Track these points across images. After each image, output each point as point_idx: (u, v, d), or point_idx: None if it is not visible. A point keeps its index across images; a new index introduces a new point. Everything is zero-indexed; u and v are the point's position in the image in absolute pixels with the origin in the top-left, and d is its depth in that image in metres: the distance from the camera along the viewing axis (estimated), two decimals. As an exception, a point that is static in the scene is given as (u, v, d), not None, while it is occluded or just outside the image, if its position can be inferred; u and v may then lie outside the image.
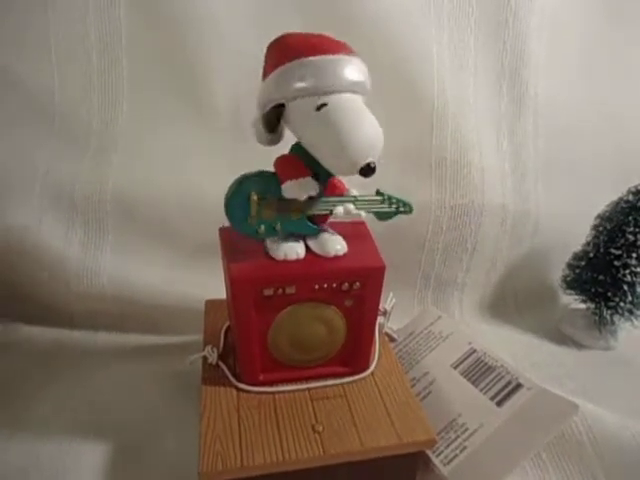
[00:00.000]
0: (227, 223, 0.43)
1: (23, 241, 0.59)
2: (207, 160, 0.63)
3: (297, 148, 0.39)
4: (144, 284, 0.61)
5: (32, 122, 0.62)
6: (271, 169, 0.40)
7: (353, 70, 0.36)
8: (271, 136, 0.40)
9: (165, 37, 0.61)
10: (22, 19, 0.59)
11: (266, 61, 0.39)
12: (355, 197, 0.41)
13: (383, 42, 0.62)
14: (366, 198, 0.41)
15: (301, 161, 0.39)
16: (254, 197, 0.39)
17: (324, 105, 0.35)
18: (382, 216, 0.42)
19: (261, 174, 0.39)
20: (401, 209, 0.42)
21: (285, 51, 0.37)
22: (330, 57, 0.36)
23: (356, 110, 0.36)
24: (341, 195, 0.41)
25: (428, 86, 0.64)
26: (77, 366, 0.57)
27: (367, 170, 0.35)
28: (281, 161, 0.39)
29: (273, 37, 0.39)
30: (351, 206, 0.40)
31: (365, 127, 0.35)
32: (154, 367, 0.57)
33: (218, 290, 0.52)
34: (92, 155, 0.62)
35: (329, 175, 0.40)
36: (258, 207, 0.39)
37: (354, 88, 0.37)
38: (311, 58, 0.36)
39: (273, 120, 0.38)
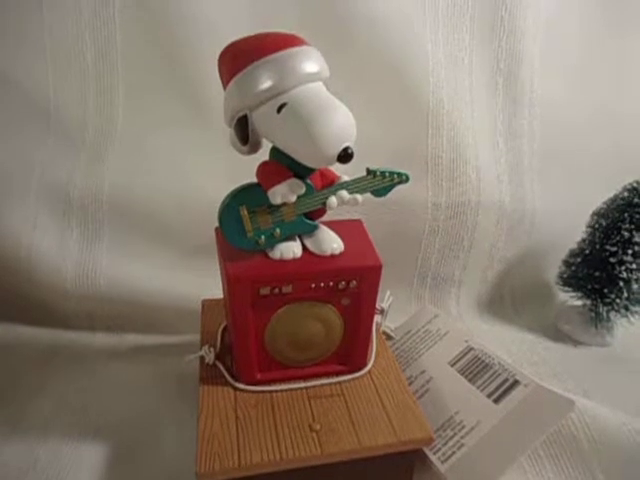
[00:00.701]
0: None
1: (19, 242, 0.59)
2: (204, 161, 0.63)
3: (274, 152, 0.39)
4: (141, 284, 0.61)
5: (28, 123, 0.61)
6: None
7: (305, 61, 0.35)
8: (247, 147, 0.39)
9: (161, 39, 0.61)
10: (17, 21, 0.59)
11: (221, 74, 0.39)
12: (346, 182, 0.39)
13: (378, 41, 0.62)
14: (357, 180, 0.39)
15: (281, 164, 0.38)
16: (244, 212, 0.38)
17: (284, 105, 0.35)
18: (380, 192, 0.40)
19: (247, 187, 0.39)
20: (397, 180, 0.40)
21: (233, 61, 0.36)
22: (275, 55, 0.35)
23: (318, 100, 0.35)
24: (332, 183, 0.40)
25: (423, 85, 0.64)
26: (75, 367, 0.57)
27: (345, 156, 0.35)
28: (261, 170, 0.39)
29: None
30: (344, 192, 0.39)
31: (331, 115, 0.34)
32: (152, 367, 0.57)
33: (215, 290, 0.52)
34: (88, 156, 0.62)
35: (311, 170, 0.39)
36: (251, 220, 0.39)
37: (310, 78, 0.36)
38: (259, 62, 0.35)
39: (244, 131, 0.37)
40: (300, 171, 0.38)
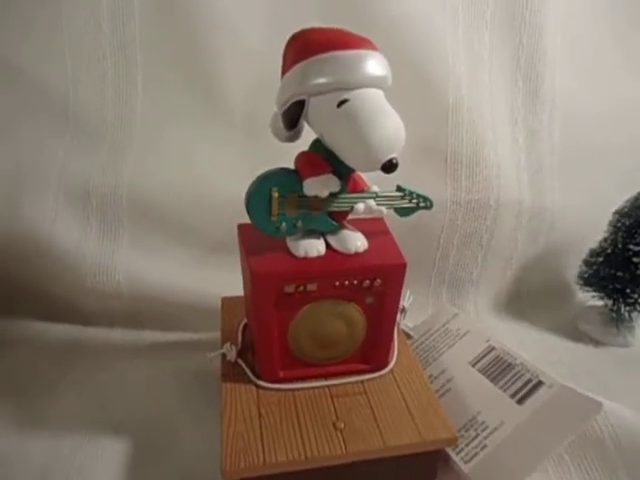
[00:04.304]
0: (243, 220, 0.43)
1: (39, 238, 0.59)
2: (223, 157, 0.62)
3: (317, 144, 0.39)
4: (159, 281, 0.61)
5: (47, 119, 0.61)
6: (287, 166, 0.40)
7: (375, 65, 0.36)
8: (290, 133, 0.40)
9: (179, 34, 0.61)
10: (35, 16, 0.59)
11: (286, 56, 0.39)
12: (376, 193, 0.41)
13: (398, 38, 0.61)
14: (387, 194, 0.41)
15: (322, 158, 0.38)
16: (275, 195, 0.38)
17: (346, 101, 0.35)
18: (403, 212, 0.42)
19: (281, 171, 0.39)
20: (421, 204, 0.42)
21: (306, 46, 0.37)
22: (352, 52, 0.36)
23: (378, 106, 0.36)
24: (362, 191, 0.41)
25: (444, 81, 0.63)
26: (94, 363, 0.57)
27: (389, 166, 0.35)
28: (302, 158, 0.39)
29: (287, 34, 0.38)
30: (372, 202, 0.40)
31: (388, 123, 0.35)
32: (170, 364, 0.57)
33: (233, 287, 0.52)
34: (107, 151, 0.62)
35: (350, 171, 0.39)
36: (279, 205, 0.39)
37: (376, 83, 0.36)
38: (333, 53, 0.35)
39: (293, 117, 0.38)
40: (339, 169, 0.38)
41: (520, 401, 0.46)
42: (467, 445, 0.44)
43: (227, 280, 0.56)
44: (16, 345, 0.59)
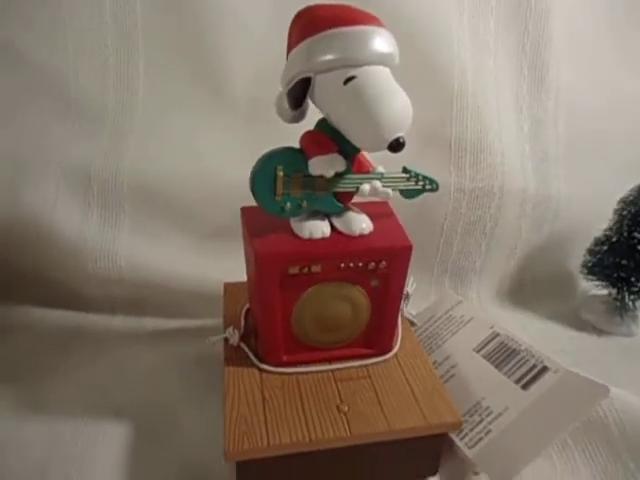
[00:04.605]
0: (245, 204, 0.43)
1: (39, 223, 0.59)
2: (224, 143, 0.62)
3: (323, 124, 0.39)
4: (161, 267, 0.61)
5: (48, 104, 0.61)
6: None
7: (383, 42, 0.35)
8: (295, 113, 0.39)
9: (181, 19, 0.60)
10: (37, 2, 0.59)
11: (291, 34, 0.38)
12: (382, 174, 0.40)
13: (403, 24, 0.60)
14: (393, 175, 0.41)
15: (328, 137, 0.38)
16: (280, 173, 0.38)
17: (353, 78, 0.34)
18: (408, 194, 0.42)
19: (287, 150, 0.39)
20: (427, 187, 0.42)
21: (313, 22, 0.36)
22: (359, 28, 0.35)
23: (386, 83, 0.35)
24: (367, 172, 0.40)
25: (448, 68, 0.63)
26: (95, 349, 0.57)
27: (396, 145, 0.35)
28: (308, 137, 0.38)
29: (290, 17, 0.38)
30: (378, 183, 0.39)
31: (395, 101, 0.34)
32: (172, 350, 0.56)
33: (236, 273, 0.52)
34: (108, 137, 0.61)
35: (356, 151, 0.39)
36: (284, 184, 0.38)
37: (383, 60, 0.36)
38: (340, 29, 0.35)
39: (298, 95, 0.37)
40: (345, 149, 0.38)
41: (525, 386, 0.45)
42: (471, 430, 0.44)
43: (229, 266, 0.55)
44: (16, 331, 0.59)
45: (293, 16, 0.38)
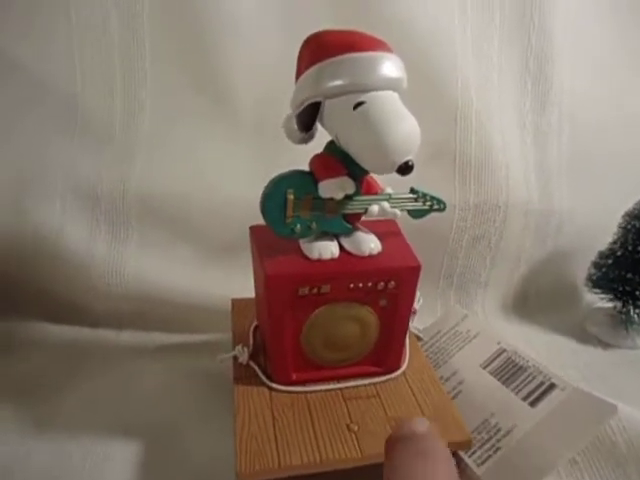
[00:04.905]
0: (253, 221, 0.43)
1: (46, 239, 0.59)
2: (232, 158, 0.62)
3: (332, 146, 0.39)
4: (168, 282, 0.61)
5: (54, 120, 0.61)
6: (296, 166, 0.40)
7: (391, 67, 0.36)
8: (304, 135, 0.40)
9: (188, 35, 0.61)
10: (45, 18, 0.59)
11: (300, 59, 0.39)
12: (390, 195, 0.41)
13: (406, 40, 0.61)
14: (400, 196, 0.41)
15: (337, 160, 0.38)
16: (290, 196, 0.38)
17: (362, 103, 0.35)
18: (416, 214, 0.42)
19: (297, 173, 0.39)
20: (435, 207, 0.42)
21: (322, 48, 0.36)
22: (368, 54, 0.36)
23: (395, 108, 0.36)
24: (376, 194, 0.41)
25: (452, 83, 0.63)
26: (102, 365, 0.57)
27: (405, 168, 0.35)
28: (317, 160, 0.39)
29: (299, 35, 0.38)
30: (386, 204, 0.40)
31: (404, 125, 0.35)
32: (180, 365, 0.56)
33: (243, 288, 0.52)
34: (115, 152, 0.62)
35: (364, 173, 0.39)
36: (294, 206, 0.39)
37: (392, 85, 0.36)
38: (349, 55, 0.35)
39: (308, 119, 0.38)
40: (354, 171, 0.38)
41: (533, 404, 0.46)
42: (480, 448, 0.44)
43: (237, 281, 0.56)
44: (24, 348, 0.59)
45: (303, 41, 0.38)
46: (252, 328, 0.50)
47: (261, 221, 0.40)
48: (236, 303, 0.54)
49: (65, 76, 0.61)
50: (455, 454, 0.43)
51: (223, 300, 0.56)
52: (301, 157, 0.40)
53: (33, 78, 0.60)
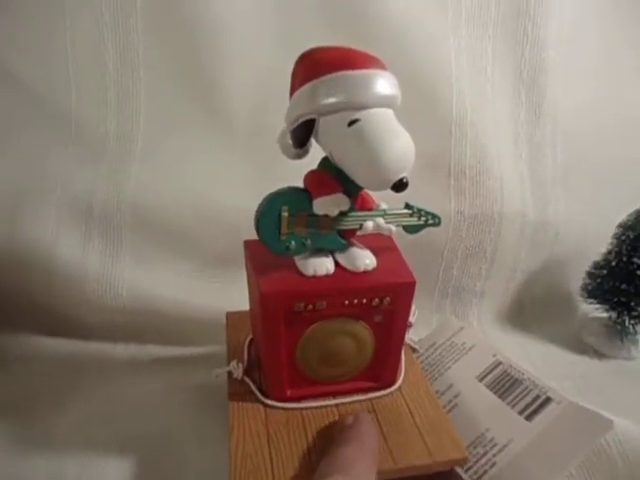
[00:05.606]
0: (248, 233, 0.43)
1: (40, 252, 0.59)
2: (226, 170, 0.62)
3: (326, 163, 0.39)
4: (163, 295, 0.61)
5: (49, 132, 0.61)
6: (291, 177, 0.39)
7: (386, 85, 0.36)
8: (299, 151, 0.40)
9: (182, 46, 0.61)
10: (40, 30, 0.59)
11: (295, 75, 0.39)
12: (384, 211, 0.41)
13: (400, 51, 0.61)
14: (395, 212, 0.41)
15: (332, 177, 0.38)
16: (285, 214, 0.38)
17: (356, 121, 0.35)
18: (411, 229, 0.42)
19: (291, 190, 0.39)
20: (430, 222, 0.42)
21: (316, 65, 0.36)
22: (362, 72, 0.35)
23: (389, 125, 0.35)
24: (370, 209, 0.41)
25: (446, 95, 0.63)
26: (97, 379, 0.57)
27: (400, 185, 0.35)
28: (312, 177, 0.39)
29: (293, 47, 0.38)
30: (381, 220, 0.40)
31: (398, 143, 0.35)
32: (175, 379, 0.56)
33: (238, 302, 0.52)
34: (109, 165, 0.62)
35: (358, 189, 0.39)
36: (289, 224, 0.39)
37: (386, 103, 0.36)
38: (343, 73, 0.35)
39: (302, 135, 0.38)
40: (349, 188, 0.38)
41: (529, 417, 0.45)
42: (476, 462, 0.44)
43: (231, 294, 0.56)
44: (17, 361, 0.59)
45: (297, 58, 0.38)
46: (247, 342, 0.50)
47: (255, 233, 0.40)
48: (231, 316, 0.54)
49: (59, 88, 0.61)
50: (451, 470, 0.42)
51: (218, 312, 0.56)
52: (296, 168, 0.40)
53: (27, 90, 0.60)
